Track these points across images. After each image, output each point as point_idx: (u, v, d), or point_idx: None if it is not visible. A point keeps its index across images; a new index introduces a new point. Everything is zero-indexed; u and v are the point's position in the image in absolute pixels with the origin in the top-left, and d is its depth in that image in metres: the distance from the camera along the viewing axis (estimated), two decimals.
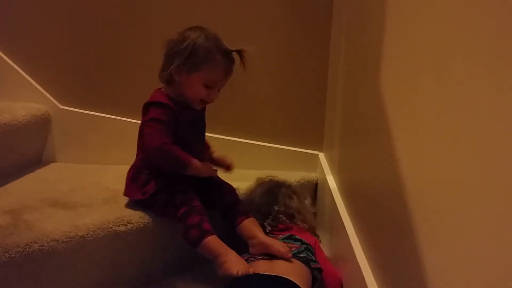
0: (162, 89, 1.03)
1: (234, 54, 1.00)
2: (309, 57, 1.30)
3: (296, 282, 0.84)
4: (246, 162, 1.35)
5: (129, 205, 1.04)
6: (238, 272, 0.85)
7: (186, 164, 0.96)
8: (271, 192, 1.14)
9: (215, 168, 1.09)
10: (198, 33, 0.97)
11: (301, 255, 0.95)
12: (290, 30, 1.30)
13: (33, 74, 1.51)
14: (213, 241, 0.91)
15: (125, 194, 1.05)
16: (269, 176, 1.20)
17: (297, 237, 1.01)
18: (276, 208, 1.10)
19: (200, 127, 1.07)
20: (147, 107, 0.98)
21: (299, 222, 1.09)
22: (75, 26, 1.45)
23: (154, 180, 0.99)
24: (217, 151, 1.14)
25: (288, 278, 0.85)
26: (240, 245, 1.03)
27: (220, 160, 1.12)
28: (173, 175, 0.99)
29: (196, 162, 0.98)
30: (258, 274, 0.87)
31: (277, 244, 0.95)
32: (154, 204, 1.00)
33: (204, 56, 0.95)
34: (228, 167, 1.12)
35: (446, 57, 0.51)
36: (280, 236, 1.02)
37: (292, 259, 0.93)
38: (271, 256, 0.94)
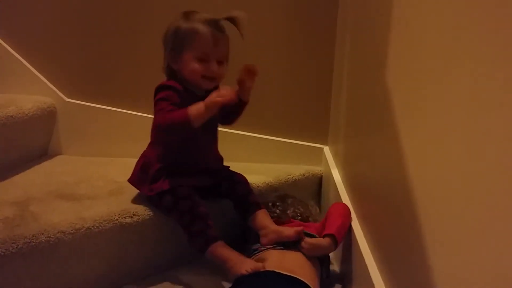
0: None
1: (226, 23, 0.96)
2: (315, 50, 1.30)
3: (308, 282, 0.85)
4: (251, 156, 1.35)
5: (134, 198, 1.04)
6: (246, 271, 0.86)
7: (186, 120, 0.89)
8: (280, 200, 1.14)
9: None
10: (179, 16, 0.97)
11: None
12: (296, 24, 1.29)
13: (39, 67, 1.51)
14: (218, 248, 0.91)
15: (131, 182, 1.04)
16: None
17: (310, 232, 1.01)
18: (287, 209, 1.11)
19: (209, 119, 1.02)
20: (157, 89, 0.96)
21: (310, 219, 1.11)
22: (81, 19, 1.45)
23: (162, 179, 0.98)
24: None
25: (301, 279, 0.85)
26: (250, 234, 1.04)
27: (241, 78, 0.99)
28: (182, 173, 0.98)
29: (193, 108, 0.89)
30: (270, 271, 0.87)
31: (289, 229, 0.96)
32: (159, 203, 0.99)
33: (187, 33, 0.94)
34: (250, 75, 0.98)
35: (452, 53, 0.51)
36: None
37: (301, 253, 0.94)
38: (282, 246, 0.95)
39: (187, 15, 0.97)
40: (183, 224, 0.94)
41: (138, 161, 1.05)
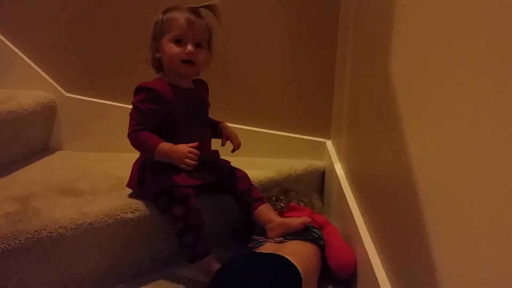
0: (160, 75, 1.04)
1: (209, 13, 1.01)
2: (317, 45, 1.29)
3: (290, 259, 0.85)
4: (253, 150, 1.35)
5: (136, 193, 1.04)
6: None
7: (151, 151, 0.93)
8: (283, 194, 1.15)
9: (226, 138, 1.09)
10: (161, 12, 1.01)
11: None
12: (299, 18, 1.28)
13: (39, 62, 1.50)
14: (205, 264, 0.93)
15: (130, 186, 1.04)
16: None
17: (315, 226, 1.01)
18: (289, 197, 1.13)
19: (199, 110, 1.04)
20: (135, 91, 0.98)
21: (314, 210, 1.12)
22: (81, 14, 1.44)
23: (156, 180, 0.97)
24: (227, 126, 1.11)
25: (284, 256, 0.86)
26: (251, 230, 1.05)
27: (227, 136, 1.09)
28: (180, 170, 0.96)
29: (163, 147, 0.93)
30: (251, 252, 0.90)
31: (295, 220, 0.98)
32: (156, 203, 0.99)
33: (164, 20, 0.98)
34: (232, 149, 1.09)
35: (456, 47, 0.50)
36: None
37: (303, 241, 0.95)
38: (281, 240, 0.96)
39: (168, 8, 1.01)
40: (175, 230, 0.94)
41: (134, 164, 1.05)
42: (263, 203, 1.02)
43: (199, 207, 0.95)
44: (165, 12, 1.00)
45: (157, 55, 1.00)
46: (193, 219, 0.93)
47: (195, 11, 0.99)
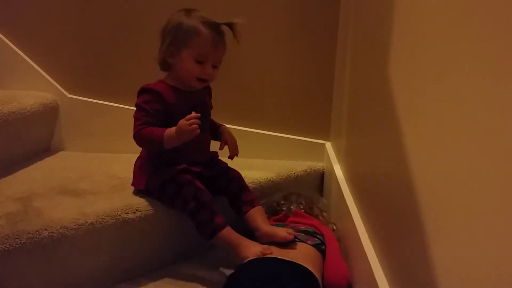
0: (164, 77, 1.04)
1: (225, 28, 0.99)
2: (317, 46, 1.29)
3: (313, 272, 0.86)
4: (253, 151, 1.35)
5: (137, 193, 1.05)
6: (256, 255, 0.88)
7: (159, 140, 0.93)
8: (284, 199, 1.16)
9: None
10: (182, 13, 0.98)
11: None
12: (298, 19, 1.29)
13: (41, 63, 1.51)
14: (226, 234, 0.93)
15: (134, 184, 1.06)
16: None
17: (308, 229, 1.02)
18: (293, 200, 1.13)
19: (200, 114, 1.04)
20: (139, 92, 0.99)
21: (319, 216, 1.12)
22: (83, 15, 1.45)
23: (159, 172, 0.99)
24: (227, 131, 1.11)
25: (306, 266, 0.86)
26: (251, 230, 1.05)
27: (226, 141, 1.09)
28: (178, 164, 0.99)
29: (169, 132, 0.93)
30: (276, 258, 0.88)
31: (280, 231, 0.96)
32: (162, 196, 1.00)
33: (189, 31, 0.96)
34: (230, 156, 1.09)
35: (456, 48, 0.50)
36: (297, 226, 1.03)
37: (303, 244, 0.96)
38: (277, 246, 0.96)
39: (189, 12, 0.98)
40: (189, 211, 0.95)
41: (135, 163, 1.07)
42: (253, 206, 1.02)
43: (205, 188, 0.97)
44: (188, 16, 0.97)
45: (171, 61, 1.00)
46: (204, 197, 0.95)
47: (220, 30, 0.98)
